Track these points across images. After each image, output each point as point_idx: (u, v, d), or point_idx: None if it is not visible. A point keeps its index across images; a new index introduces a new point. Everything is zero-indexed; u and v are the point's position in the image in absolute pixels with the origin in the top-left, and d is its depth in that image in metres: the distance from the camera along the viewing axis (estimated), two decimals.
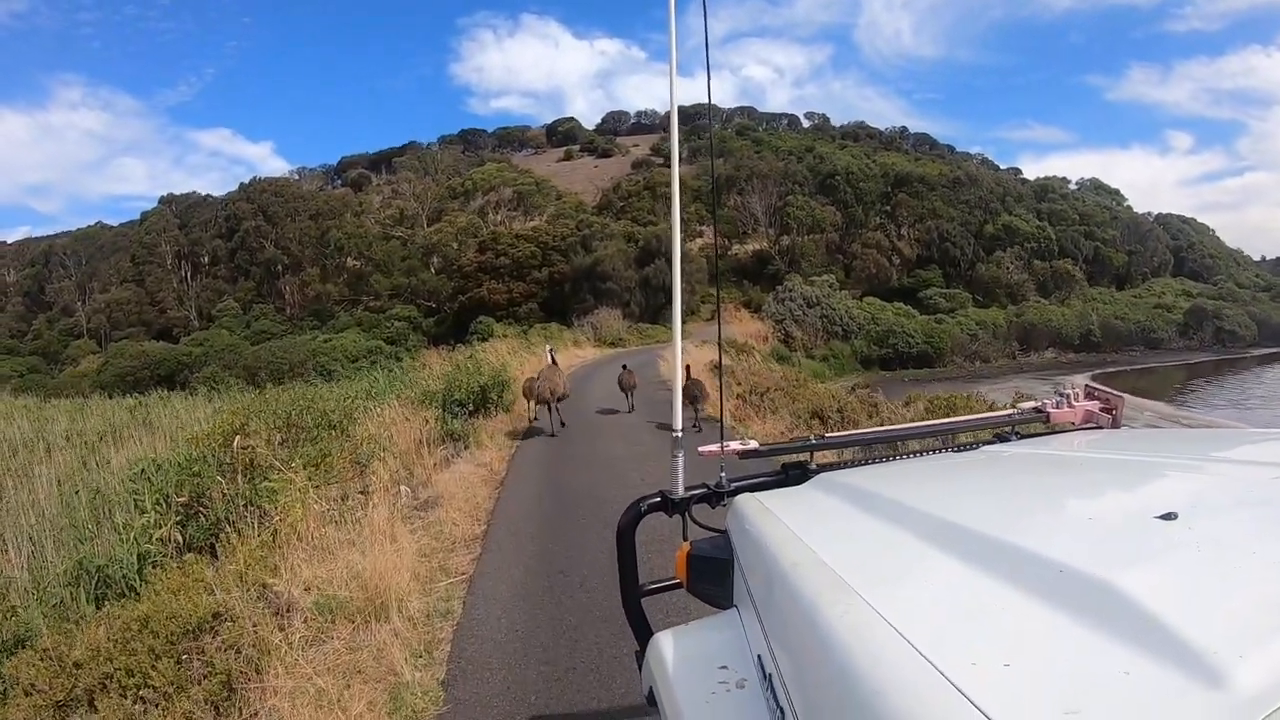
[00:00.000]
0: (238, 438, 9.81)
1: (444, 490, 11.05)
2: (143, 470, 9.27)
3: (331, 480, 9.86)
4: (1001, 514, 1.45)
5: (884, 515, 1.47)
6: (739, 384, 20.79)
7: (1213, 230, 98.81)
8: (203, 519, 8.36)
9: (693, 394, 14.37)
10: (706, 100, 2.32)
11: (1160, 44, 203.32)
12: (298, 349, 56.03)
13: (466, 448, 14.32)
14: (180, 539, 8.03)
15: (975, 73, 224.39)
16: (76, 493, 11.15)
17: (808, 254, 72.54)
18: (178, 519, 8.17)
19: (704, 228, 69.71)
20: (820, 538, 1.40)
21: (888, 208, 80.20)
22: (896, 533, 1.36)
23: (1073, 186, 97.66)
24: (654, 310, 57.60)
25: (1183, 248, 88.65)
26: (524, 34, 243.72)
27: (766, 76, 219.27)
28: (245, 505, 8.39)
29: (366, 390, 19.49)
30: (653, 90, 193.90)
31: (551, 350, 20.20)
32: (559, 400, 15.89)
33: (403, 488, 10.70)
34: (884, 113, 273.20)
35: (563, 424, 16.09)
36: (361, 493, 9.62)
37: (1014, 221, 76.23)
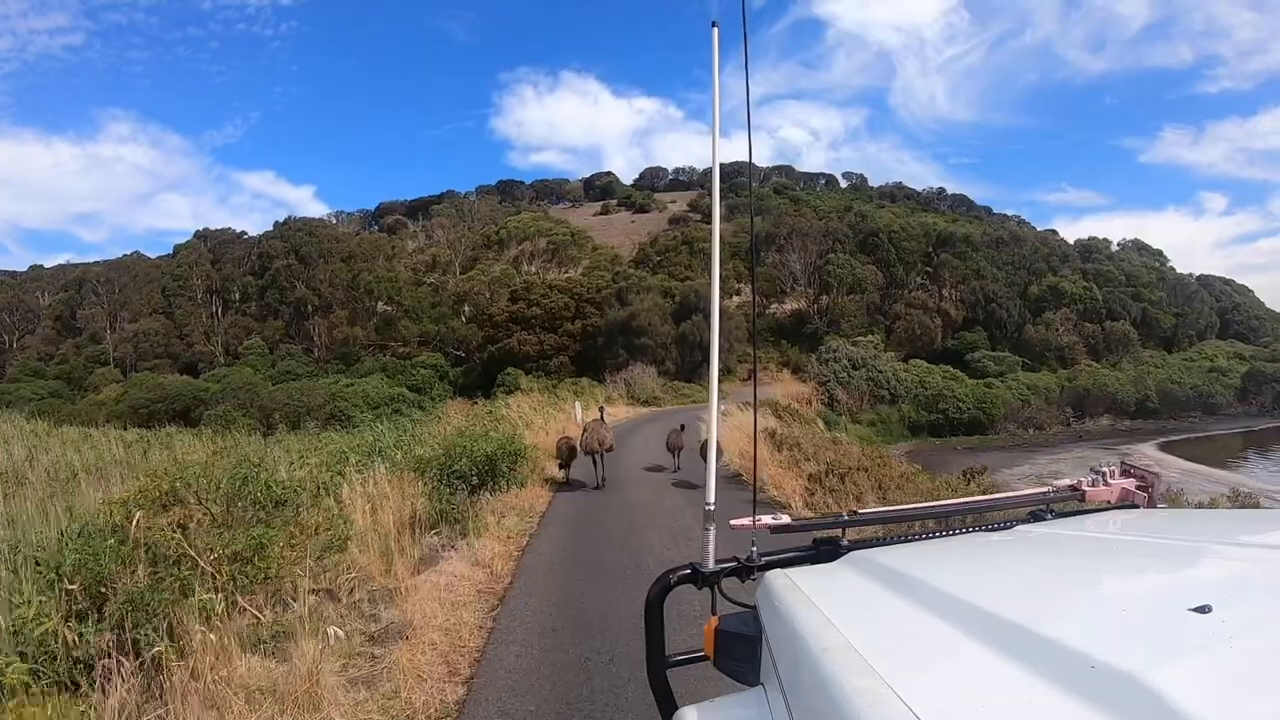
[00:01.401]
0: (139, 515, 6.95)
1: (417, 610, 7.68)
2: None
3: (268, 578, 7.31)
4: (1034, 600, 1.40)
5: (915, 599, 1.41)
6: (807, 459, 17.35)
7: (1253, 291, 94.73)
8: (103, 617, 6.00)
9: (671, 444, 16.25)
10: (747, 157, 2.19)
11: (1193, 105, 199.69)
12: (316, 392, 53.27)
13: (464, 535, 10.99)
14: (72, 640, 5.64)
15: (1009, 136, 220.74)
16: None
17: (848, 314, 69.44)
18: (67, 613, 5.90)
19: (742, 285, 67.49)
20: (849, 620, 1.35)
21: (930, 268, 77.13)
22: (927, 618, 1.31)
23: (1115, 248, 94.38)
24: (690, 368, 54.66)
25: (1227, 309, 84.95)
26: (564, 90, 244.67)
27: (802, 139, 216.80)
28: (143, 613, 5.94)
29: (370, 447, 16.20)
30: (690, 149, 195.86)
31: (602, 407, 20.96)
32: (606, 451, 15.94)
33: (332, 630, 6.89)
34: (919, 175, 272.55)
35: (603, 480, 15.91)
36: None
37: (1060, 282, 72.86)
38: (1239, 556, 1.52)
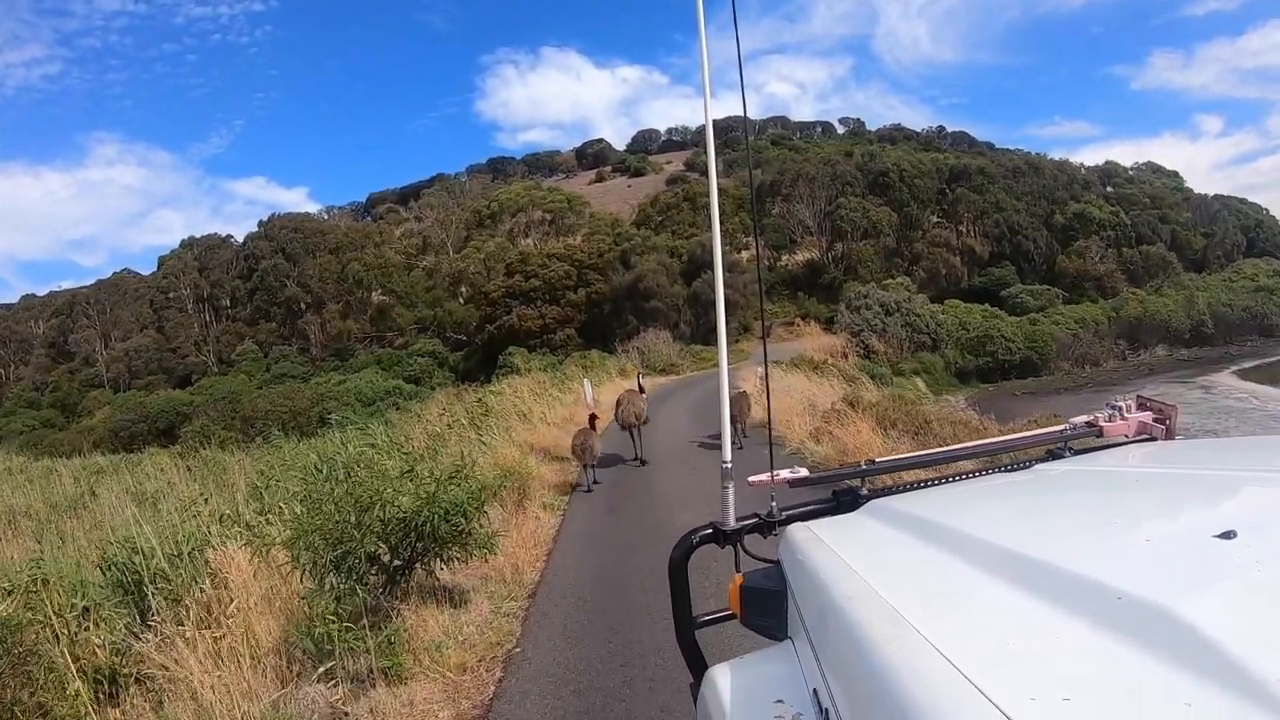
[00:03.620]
0: None
1: None
2: None
3: None
4: (1057, 537, 1.38)
5: (937, 542, 1.41)
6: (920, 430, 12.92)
7: (1267, 209, 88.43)
8: None
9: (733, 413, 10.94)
10: (741, 108, 2.13)
11: (1180, 28, 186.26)
12: (302, 395, 47.54)
13: (374, 677, 5.54)
14: None
15: (998, 74, 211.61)
16: None
17: (865, 260, 64.01)
18: None
19: (749, 239, 62.85)
20: (872, 567, 1.37)
21: (945, 205, 71.43)
22: (950, 560, 1.31)
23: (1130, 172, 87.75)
24: (706, 330, 49.13)
25: (1250, 227, 79.44)
26: (545, 67, 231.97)
27: (790, 92, 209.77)
28: None
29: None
30: (678, 113, 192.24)
31: (641, 374, 19.89)
32: (642, 424, 14.82)
33: None
34: (911, 120, 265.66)
35: (642, 458, 14.44)
36: None
37: (1086, 209, 67.49)
38: (1260, 483, 1.49)
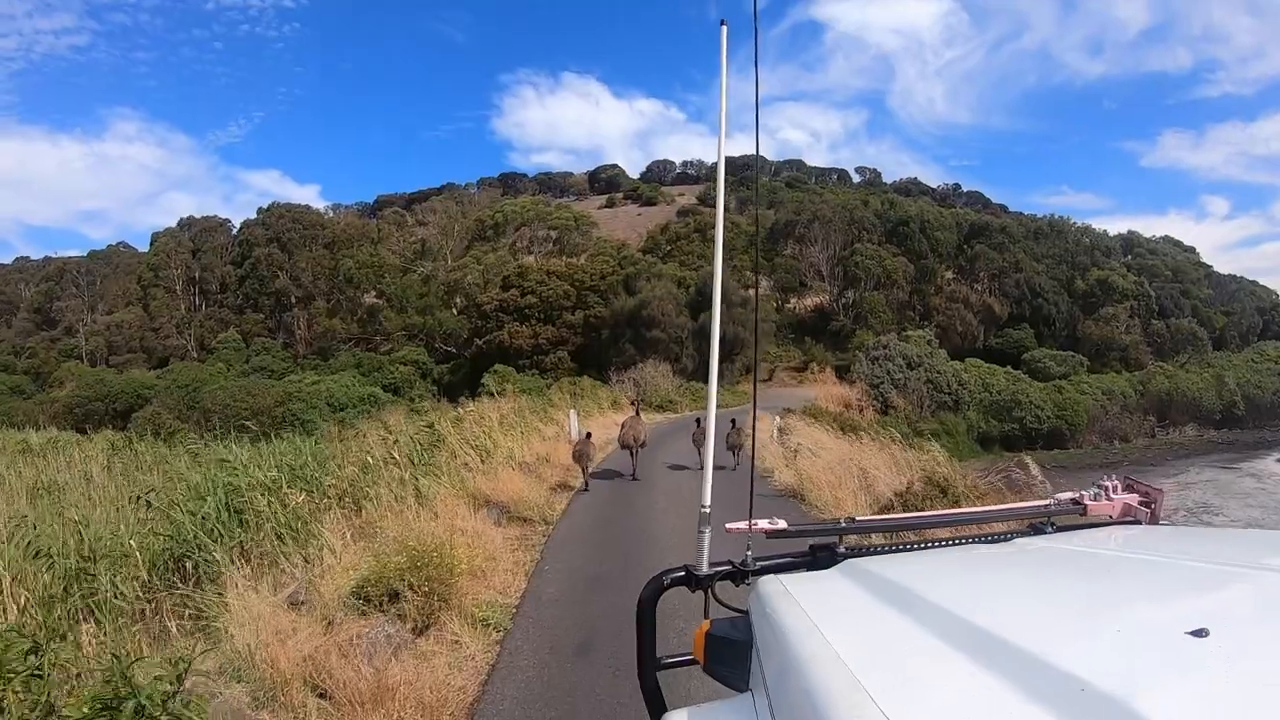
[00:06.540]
0: None
1: None
2: None
3: None
4: (1026, 618, 1.31)
5: (906, 610, 1.36)
6: None
7: (1275, 294, 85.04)
8: None
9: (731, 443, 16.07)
10: (755, 145, 2.11)
11: (1193, 110, 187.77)
12: (267, 392, 42.89)
13: None
14: None
15: (1009, 139, 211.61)
16: None
17: (876, 310, 60.16)
18: None
19: (761, 277, 58.90)
20: (838, 629, 1.31)
21: (963, 261, 67.52)
22: (917, 631, 1.26)
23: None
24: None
25: (1265, 309, 75.78)
26: (565, 92, 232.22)
27: (803, 140, 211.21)
28: None
29: None
30: (691, 150, 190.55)
31: (636, 403, 20.21)
32: (641, 446, 15.91)
33: None
34: (922, 176, 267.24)
35: (635, 477, 15.45)
36: None
37: (1110, 276, 63.13)
38: (1240, 579, 1.43)
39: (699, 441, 16.09)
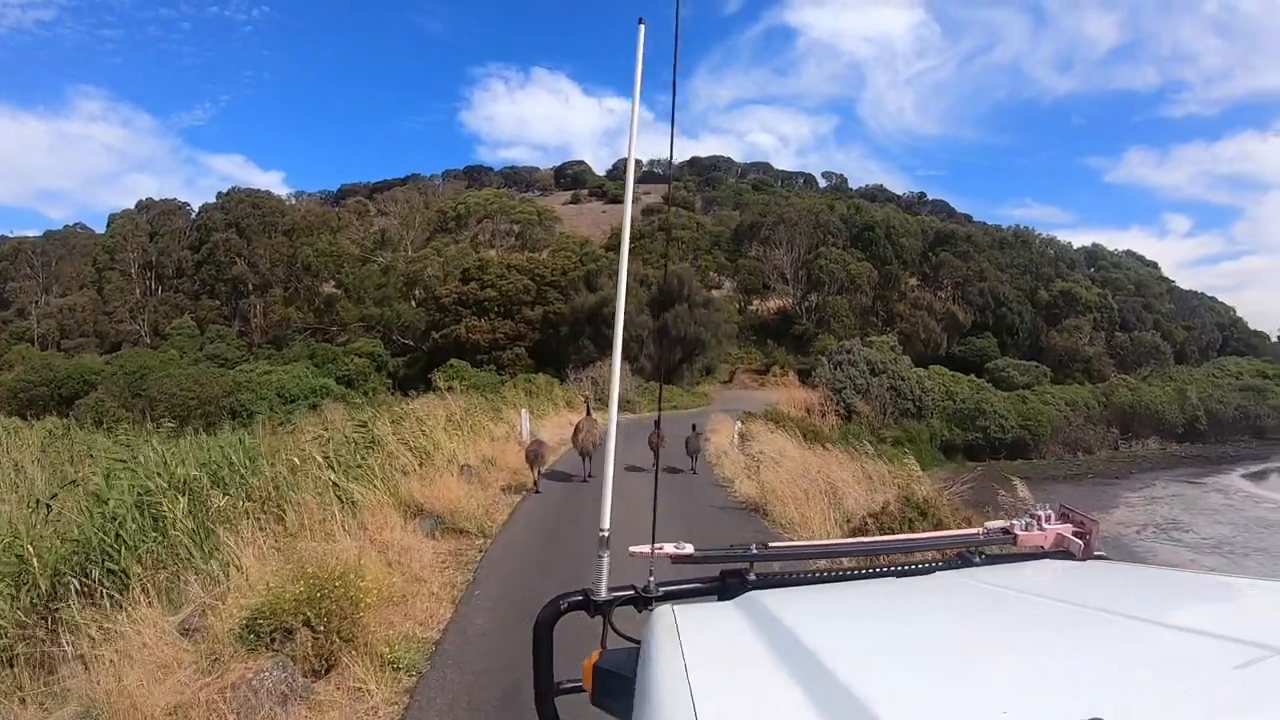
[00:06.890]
0: None
1: None
2: None
3: None
4: (919, 674, 1.21)
5: (784, 660, 1.23)
6: None
7: (1235, 310, 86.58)
8: None
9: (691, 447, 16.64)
10: (669, 149, 1.92)
11: (1158, 128, 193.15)
12: (216, 382, 41.42)
13: None
14: None
15: (976, 151, 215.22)
16: None
17: (839, 314, 59.94)
18: None
19: (724, 279, 62.36)
20: (705, 682, 1.18)
21: (928, 268, 67.62)
22: (785, 690, 1.14)
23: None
24: (670, 367, 44.16)
25: (1224, 325, 77.37)
26: (535, 87, 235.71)
27: (771, 144, 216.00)
28: None
29: None
30: (660, 149, 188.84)
31: (588, 402, 18.55)
32: (595, 448, 15.61)
33: None
34: (888, 184, 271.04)
35: (589, 476, 15.39)
36: None
37: (1073, 288, 63.62)
38: (1162, 645, 1.28)
39: (655, 445, 14.71)
